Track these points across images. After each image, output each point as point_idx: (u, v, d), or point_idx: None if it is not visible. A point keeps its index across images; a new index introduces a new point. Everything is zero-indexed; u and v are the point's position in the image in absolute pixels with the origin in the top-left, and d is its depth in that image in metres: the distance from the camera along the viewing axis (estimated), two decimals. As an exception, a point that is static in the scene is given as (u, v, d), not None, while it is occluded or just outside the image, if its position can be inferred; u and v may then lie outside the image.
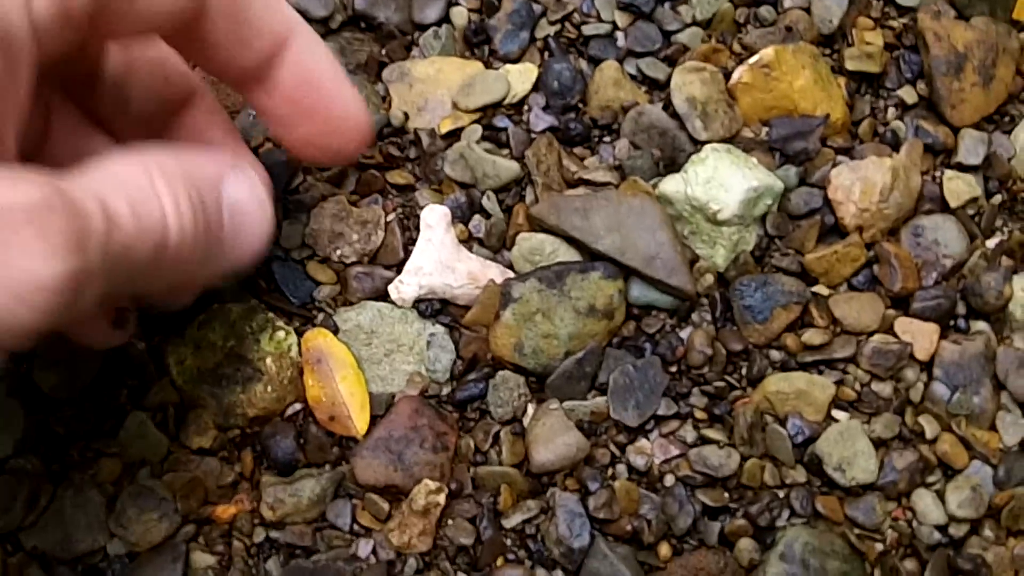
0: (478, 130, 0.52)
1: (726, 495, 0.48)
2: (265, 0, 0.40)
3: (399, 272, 0.49)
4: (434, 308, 0.49)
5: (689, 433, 0.48)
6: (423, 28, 0.54)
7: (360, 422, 0.47)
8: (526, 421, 0.48)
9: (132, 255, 0.32)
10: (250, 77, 0.41)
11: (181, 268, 0.36)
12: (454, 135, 0.52)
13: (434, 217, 0.48)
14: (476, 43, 0.54)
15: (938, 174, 0.53)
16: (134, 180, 0.33)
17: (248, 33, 0.40)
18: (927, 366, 0.50)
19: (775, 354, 0.49)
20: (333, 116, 0.43)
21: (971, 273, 0.51)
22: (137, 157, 0.34)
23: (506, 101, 0.52)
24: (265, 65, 0.41)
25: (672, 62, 0.53)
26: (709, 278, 0.50)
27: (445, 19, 0.54)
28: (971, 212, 0.52)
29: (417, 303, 0.49)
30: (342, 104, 0.43)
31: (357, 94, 0.43)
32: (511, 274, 0.49)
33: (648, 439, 0.48)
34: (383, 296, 0.49)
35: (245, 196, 0.39)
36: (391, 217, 0.50)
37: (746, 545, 0.47)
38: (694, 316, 0.50)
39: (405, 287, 0.48)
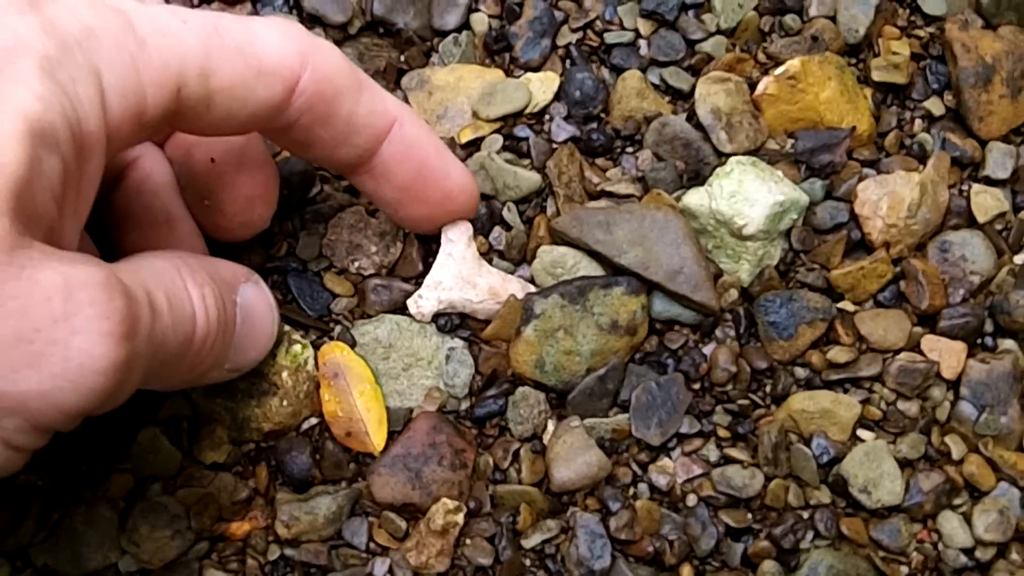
0: (499, 140, 0.51)
1: (749, 516, 0.47)
2: (369, 104, 0.40)
3: (418, 285, 0.48)
4: (453, 323, 0.48)
5: (712, 452, 0.47)
6: (443, 35, 0.53)
7: (377, 438, 0.46)
8: (546, 438, 0.47)
9: (166, 347, 0.33)
10: (350, 168, 0.42)
11: (199, 363, 0.37)
12: (474, 144, 0.51)
13: (455, 231, 0.47)
14: (496, 50, 0.52)
15: (965, 188, 0.52)
16: (169, 278, 0.35)
17: (346, 136, 0.40)
18: (954, 385, 0.49)
19: (800, 371, 0.48)
20: (441, 198, 0.44)
21: (999, 290, 0.50)
22: (168, 255, 0.36)
23: (527, 110, 0.51)
24: (365, 158, 0.41)
25: (696, 72, 0.52)
26: (733, 293, 0.49)
27: (465, 25, 0.53)
28: (999, 227, 0.51)
29: (436, 318, 0.48)
30: (450, 185, 0.44)
31: (461, 165, 0.44)
32: (532, 288, 0.48)
33: (670, 458, 0.48)
34: (401, 309, 0.48)
35: (255, 302, 0.41)
36: (411, 229, 0.49)
37: (770, 567, 0.47)
38: (718, 332, 0.49)
39: (424, 301, 0.47)
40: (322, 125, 0.39)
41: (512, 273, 0.49)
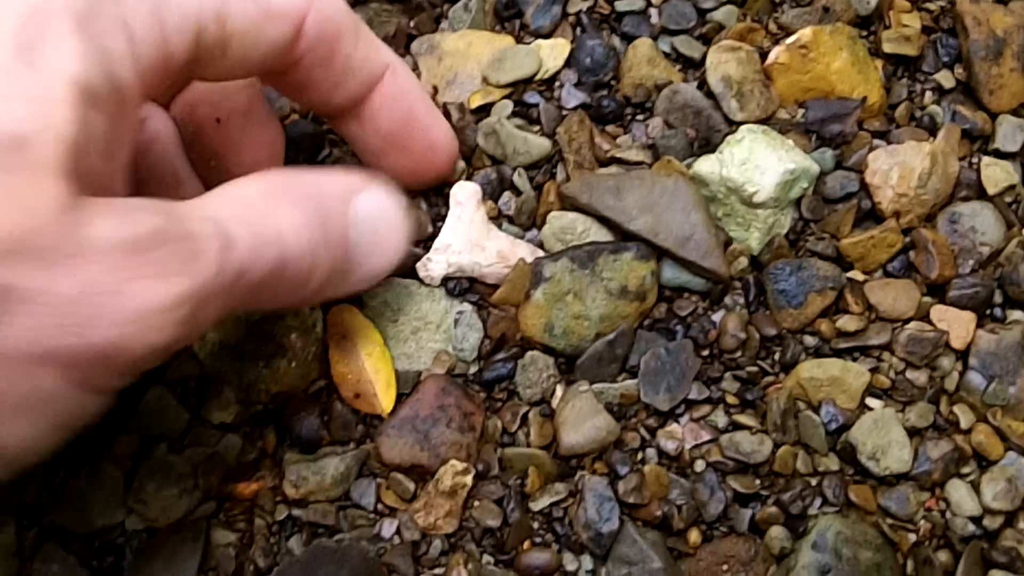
0: (508, 106, 0.51)
1: (757, 482, 0.47)
2: (365, 48, 0.41)
3: (426, 248, 0.48)
4: (462, 287, 0.48)
5: (721, 418, 0.47)
6: (453, 1, 0.53)
7: (386, 400, 0.46)
8: (555, 403, 0.47)
9: (250, 274, 0.34)
10: (341, 112, 0.43)
11: (306, 284, 0.37)
12: (484, 110, 0.51)
13: (464, 194, 0.47)
14: (507, 17, 0.52)
15: (975, 160, 0.52)
16: (251, 201, 0.35)
17: (343, 77, 0.41)
18: (963, 355, 0.49)
19: (809, 340, 0.48)
20: (425, 149, 0.45)
21: (1008, 261, 0.50)
22: (256, 179, 0.36)
23: (537, 77, 0.51)
24: (357, 102, 0.42)
25: (707, 40, 0.52)
26: (743, 261, 0.49)
27: (475, -8, 0.53)
28: (1008, 200, 0.51)
29: (445, 281, 0.48)
30: (434, 137, 0.45)
31: (445, 121, 0.45)
32: (541, 253, 0.48)
33: (679, 423, 0.47)
34: (410, 273, 0.48)
35: (375, 210, 0.41)
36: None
37: (777, 533, 0.46)
38: (727, 299, 0.49)
39: (433, 265, 0.47)
40: (322, 66, 0.40)
41: (521, 239, 0.49)
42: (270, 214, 0.35)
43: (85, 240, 0.29)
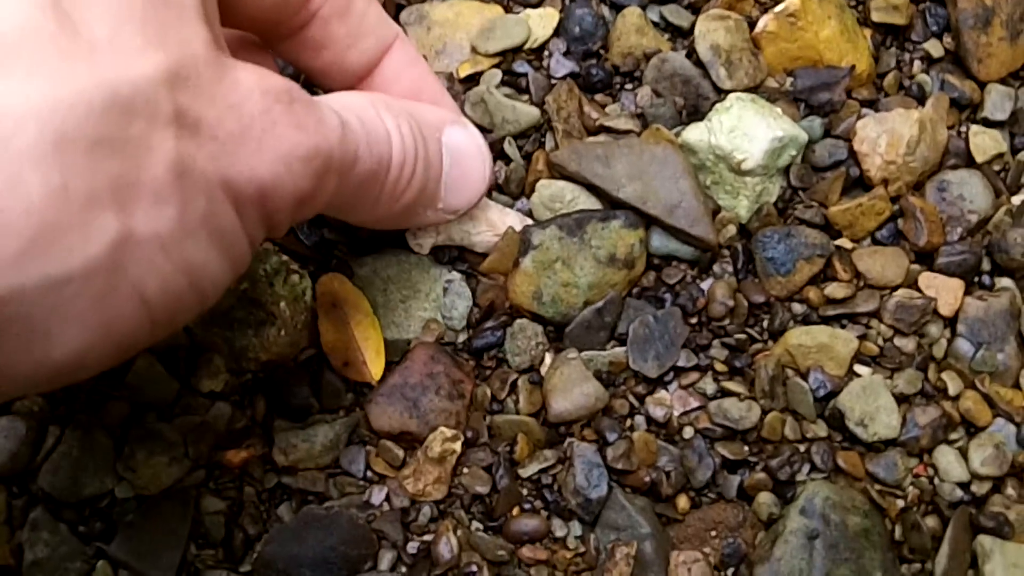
0: (497, 75, 0.51)
1: (746, 448, 0.47)
2: (374, 7, 0.42)
3: None
4: (451, 255, 0.48)
5: (709, 385, 0.47)
6: (442, -29, 0.52)
7: (375, 368, 0.46)
8: (543, 370, 0.47)
9: (360, 164, 0.36)
10: (354, 79, 0.43)
11: (401, 193, 0.39)
12: (473, 79, 0.51)
13: None
14: (496, -13, 0.52)
15: (963, 129, 0.52)
16: (360, 104, 0.37)
17: (357, 34, 0.42)
18: (951, 322, 0.49)
19: (797, 307, 0.48)
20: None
21: (996, 229, 0.50)
22: (357, 92, 0.39)
23: (526, 46, 0.51)
24: (369, 68, 0.43)
25: (696, 10, 0.52)
26: (731, 229, 0.49)
27: (464, -38, 0.53)
28: (997, 168, 0.51)
29: (435, 251, 0.48)
30: (446, 102, 0.46)
31: (453, 101, 0.46)
32: (530, 222, 0.48)
33: (667, 391, 0.48)
34: (400, 241, 0.48)
35: (464, 143, 0.43)
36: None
37: (765, 499, 0.47)
38: (715, 267, 0.49)
39: (423, 234, 0.47)
40: (339, 18, 0.41)
41: (511, 207, 0.49)
42: (378, 117, 0.38)
43: (235, 82, 0.31)
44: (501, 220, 0.47)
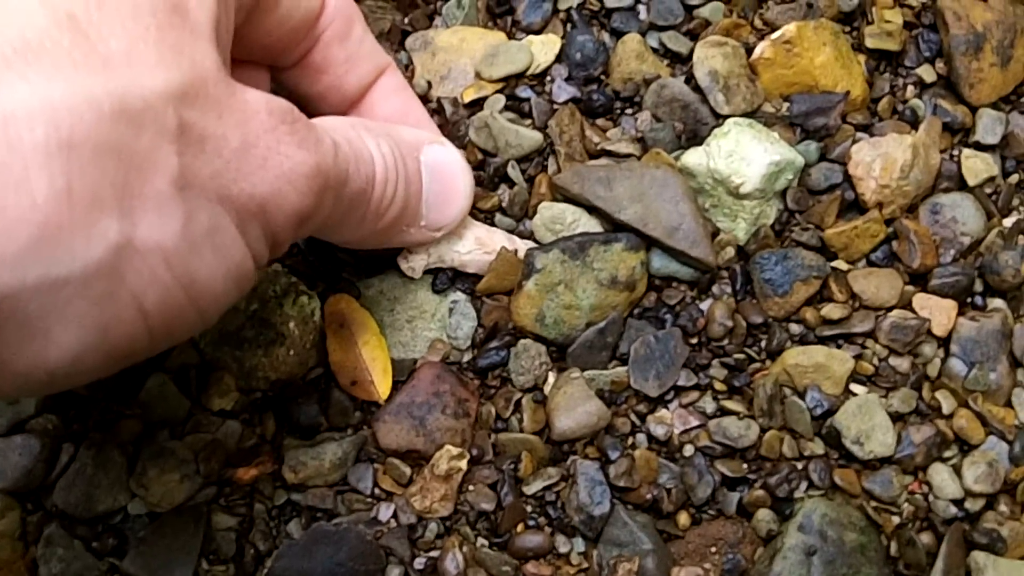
0: (501, 100, 0.52)
1: (745, 466, 0.48)
2: (369, 36, 0.45)
3: None
4: (447, 279, 0.49)
5: (709, 404, 0.48)
6: (446, -2, 0.54)
7: (382, 387, 0.47)
8: (547, 389, 0.48)
9: (350, 184, 0.37)
10: (348, 104, 0.45)
11: (386, 211, 0.41)
12: (477, 104, 0.52)
13: None
14: (499, 13, 0.54)
15: (956, 153, 0.53)
16: (342, 127, 0.38)
17: (356, 59, 0.44)
18: (944, 342, 0.50)
19: (794, 327, 0.50)
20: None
21: (988, 251, 0.51)
22: (336, 117, 0.41)
23: (529, 72, 0.52)
24: (362, 93, 0.45)
25: (694, 36, 0.53)
26: (730, 251, 0.50)
27: (468, -11, 0.54)
28: (988, 191, 0.53)
29: (434, 279, 0.49)
30: (432, 128, 0.48)
31: (435, 127, 0.48)
32: (517, 239, 0.49)
33: (668, 409, 0.49)
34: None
35: (443, 161, 0.44)
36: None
37: (764, 516, 0.48)
38: (714, 288, 0.50)
39: (414, 257, 0.48)
40: (340, 41, 0.43)
41: (513, 229, 0.50)
42: (360, 139, 0.39)
43: (243, 102, 0.32)
44: (489, 238, 0.48)
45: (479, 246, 0.48)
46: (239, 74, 0.42)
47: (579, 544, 0.47)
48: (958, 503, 0.48)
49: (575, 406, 0.47)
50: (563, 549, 0.47)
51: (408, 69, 0.53)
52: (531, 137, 0.50)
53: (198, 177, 0.30)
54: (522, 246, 0.49)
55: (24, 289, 0.26)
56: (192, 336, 0.33)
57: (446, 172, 0.44)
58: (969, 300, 0.51)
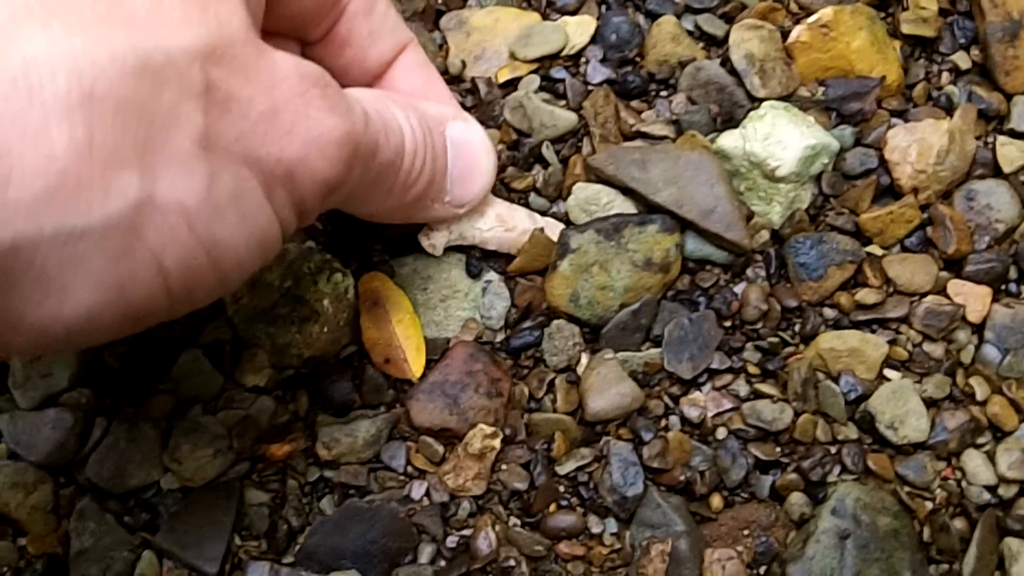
0: (535, 80, 0.51)
1: (778, 449, 0.48)
2: (392, 10, 0.44)
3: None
4: (478, 260, 0.49)
5: (742, 387, 0.48)
6: (481, -22, 0.54)
7: (416, 365, 0.47)
8: (580, 370, 0.48)
9: (380, 154, 0.37)
10: (370, 78, 0.45)
11: (414, 184, 0.41)
12: (511, 84, 0.52)
13: None
14: (534, -6, 0.53)
15: (990, 140, 0.53)
16: (371, 98, 0.38)
17: (379, 32, 0.43)
18: (979, 328, 0.50)
19: (828, 312, 0.49)
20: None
21: (1023, 238, 0.51)
22: (371, 90, 0.41)
23: (563, 53, 0.52)
24: (385, 67, 0.44)
25: (730, 19, 0.53)
26: (764, 235, 0.50)
27: (503, -30, 0.54)
28: (1023, 178, 0.52)
29: (467, 263, 0.48)
30: (454, 104, 0.47)
31: (456, 103, 0.47)
32: (539, 217, 0.49)
33: (701, 392, 0.48)
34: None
35: (467, 137, 0.44)
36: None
37: (797, 499, 0.47)
38: (748, 272, 0.50)
39: (435, 234, 0.47)
40: (364, 15, 0.42)
41: (547, 210, 0.50)
42: (389, 110, 0.39)
43: (272, 64, 0.31)
44: (510, 215, 0.48)
45: (500, 223, 0.47)
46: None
47: (612, 525, 0.47)
48: (991, 489, 0.48)
49: (608, 387, 0.47)
50: (596, 530, 0.47)
51: (442, 49, 0.52)
52: (566, 118, 0.50)
53: (223, 138, 0.30)
54: (543, 224, 0.48)
55: (42, 240, 0.26)
56: (212, 301, 0.33)
57: (470, 148, 0.44)
58: (1003, 287, 0.51)
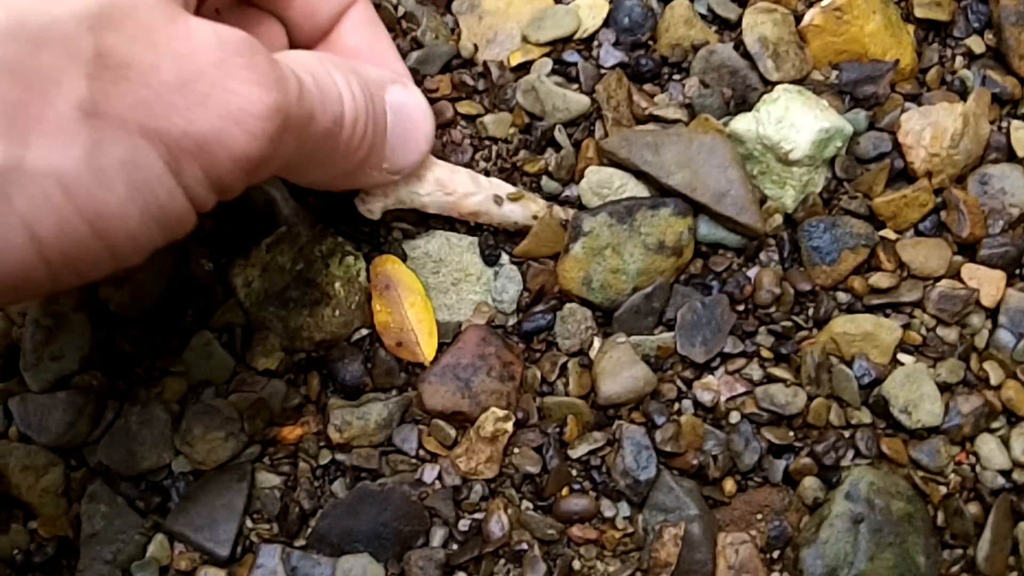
0: (548, 63, 0.51)
1: (791, 434, 0.48)
2: None
3: None
4: (493, 252, 0.48)
5: (755, 371, 0.48)
6: (493, -39, 0.53)
7: (428, 348, 0.47)
8: (592, 354, 0.48)
9: (317, 123, 0.35)
10: (319, 33, 0.44)
11: (354, 152, 0.39)
12: (524, 68, 0.51)
13: None
14: (546, -23, 0.53)
15: (1004, 124, 0.53)
16: (310, 62, 0.37)
17: None
18: (993, 313, 0.50)
19: (842, 296, 0.49)
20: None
21: (1037, 222, 0.51)
22: (304, 51, 0.39)
23: (576, 36, 0.52)
24: (333, 23, 0.43)
25: (743, 2, 0.53)
26: (778, 218, 0.49)
27: (515, -47, 0.53)
28: (1037, 163, 0.52)
29: (482, 249, 0.48)
30: (397, 68, 0.45)
31: (403, 64, 0.46)
32: (482, 179, 0.48)
33: (714, 376, 0.48)
34: (452, 225, 0.48)
35: (406, 102, 0.43)
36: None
37: (810, 483, 0.47)
38: (762, 256, 0.49)
39: (372, 199, 0.46)
40: None
41: (559, 193, 0.49)
42: (328, 75, 0.37)
43: (186, 31, 0.30)
44: (451, 179, 0.47)
45: (439, 187, 0.46)
46: (252, 28, 0.41)
47: (624, 509, 0.47)
48: (1006, 474, 0.48)
49: (621, 371, 0.47)
50: (608, 513, 0.46)
51: (454, 33, 0.52)
52: (578, 101, 0.50)
53: (114, 106, 0.28)
54: (489, 187, 0.47)
55: None
56: (106, 274, 0.32)
57: (409, 114, 0.43)
58: (1018, 271, 0.50)
